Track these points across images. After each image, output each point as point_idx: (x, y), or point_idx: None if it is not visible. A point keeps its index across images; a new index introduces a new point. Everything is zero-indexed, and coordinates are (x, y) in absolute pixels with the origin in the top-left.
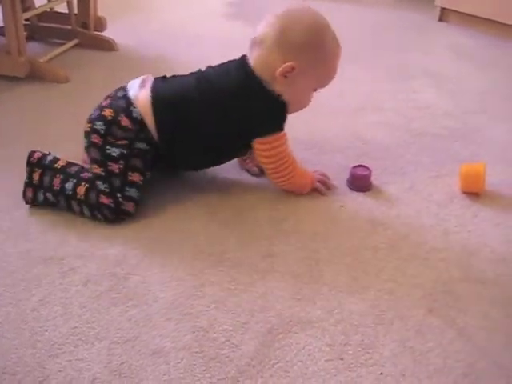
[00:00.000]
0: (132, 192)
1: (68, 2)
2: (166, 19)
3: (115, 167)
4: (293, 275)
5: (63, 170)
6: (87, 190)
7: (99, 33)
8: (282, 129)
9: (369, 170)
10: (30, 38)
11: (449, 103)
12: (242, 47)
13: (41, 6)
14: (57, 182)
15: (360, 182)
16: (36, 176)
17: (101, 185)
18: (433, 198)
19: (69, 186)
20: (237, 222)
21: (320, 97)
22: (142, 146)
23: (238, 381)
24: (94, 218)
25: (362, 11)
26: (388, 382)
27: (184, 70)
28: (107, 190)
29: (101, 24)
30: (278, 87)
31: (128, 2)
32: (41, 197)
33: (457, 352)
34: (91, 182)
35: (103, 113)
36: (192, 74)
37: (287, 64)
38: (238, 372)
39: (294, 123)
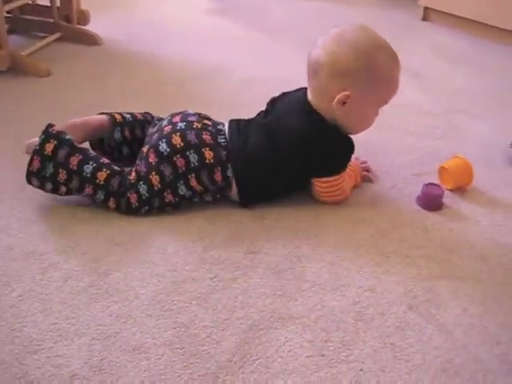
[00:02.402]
0: (164, 208)
1: None
2: (150, 14)
3: (169, 197)
4: (274, 272)
5: (83, 150)
6: (108, 176)
7: (82, 26)
8: (344, 169)
9: (442, 189)
10: (11, 31)
11: (431, 102)
12: (226, 43)
13: None
14: (74, 160)
15: (433, 201)
16: (49, 147)
17: (141, 186)
18: (414, 196)
19: (88, 168)
20: (220, 219)
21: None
22: (209, 199)
23: (219, 377)
24: (105, 203)
25: (346, 10)
26: (368, 378)
27: (167, 65)
28: (144, 198)
29: (84, 18)
30: (338, 115)
31: None
32: (50, 169)
33: (436, 348)
34: (118, 172)
35: (204, 151)
36: (262, 121)
37: (342, 94)
38: (219, 368)
39: None
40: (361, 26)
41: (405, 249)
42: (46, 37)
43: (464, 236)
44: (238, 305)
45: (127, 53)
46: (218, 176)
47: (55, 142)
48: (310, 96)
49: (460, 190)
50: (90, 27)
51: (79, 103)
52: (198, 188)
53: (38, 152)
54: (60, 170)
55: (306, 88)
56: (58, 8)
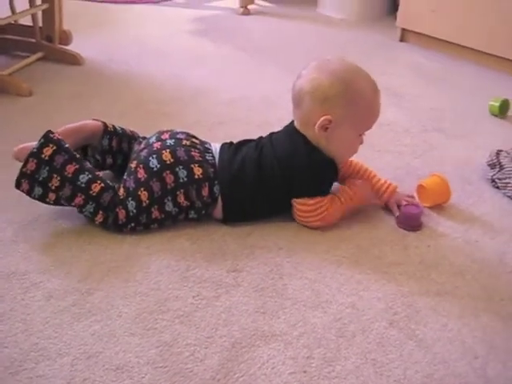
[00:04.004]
0: (150, 226)
1: (33, 15)
2: (132, 34)
3: (156, 214)
4: (257, 289)
5: (80, 160)
6: (102, 190)
7: (64, 46)
8: (325, 193)
9: (420, 208)
10: None
11: (408, 120)
12: (207, 62)
13: (4, 18)
14: (71, 168)
15: (413, 220)
16: (48, 151)
17: (130, 203)
18: (393, 213)
19: (83, 178)
20: (203, 238)
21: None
22: (194, 216)
23: None
24: (93, 215)
25: (326, 32)
26: None
27: (150, 84)
28: (131, 214)
29: (66, 37)
30: (323, 142)
31: (94, 17)
32: (44, 173)
33: (416, 363)
34: (111, 187)
35: (193, 167)
36: (255, 147)
37: (323, 118)
38: None
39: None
40: (340, 58)
41: (385, 266)
42: (27, 56)
43: (442, 252)
44: (221, 323)
45: (109, 73)
46: (205, 191)
47: (54, 147)
48: (297, 125)
49: (438, 207)
50: (72, 47)
51: (61, 123)
52: (185, 204)
53: (34, 155)
54: (54, 176)
55: (293, 121)
56: (40, 28)
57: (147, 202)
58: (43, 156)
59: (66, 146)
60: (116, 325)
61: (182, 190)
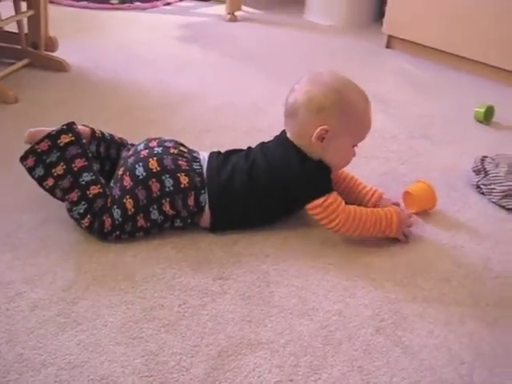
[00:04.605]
0: (135, 234)
1: (18, 22)
2: (119, 40)
3: (141, 222)
4: (243, 297)
5: (91, 160)
6: (99, 194)
7: (50, 53)
8: (328, 191)
9: None
10: None
11: (395, 127)
12: (194, 69)
13: None
14: (79, 163)
15: None
16: (65, 138)
17: (115, 211)
18: None
19: (86, 177)
20: (189, 246)
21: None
22: (180, 224)
23: None
24: (81, 217)
25: (313, 38)
26: None
27: (136, 91)
28: (117, 223)
29: (52, 44)
30: (318, 152)
31: (80, 23)
32: (53, 158)
33: (403, 369)
34: (106, 194)
35: (179, 176)
36: (246, 156)
37: (321, 127)
38: None
39: None
40: (332, 71)
41: (371, 272)
42: (13, 63)
43: (428, 259)
44: (207, 331)
45: (95, 79)
46: (191, 200)
47: (72, 138)
48: (289, 135)
49: (424, 213)
50: (58, 53)
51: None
52: (171, 212)
53: (51, 137)
54: (61, 164)
55: (284, 131)
56: (25, 35)
57: (132, 210)
58: (59, 141)
59: (83, 141)
60: (101, 334)
61: (167, 199)
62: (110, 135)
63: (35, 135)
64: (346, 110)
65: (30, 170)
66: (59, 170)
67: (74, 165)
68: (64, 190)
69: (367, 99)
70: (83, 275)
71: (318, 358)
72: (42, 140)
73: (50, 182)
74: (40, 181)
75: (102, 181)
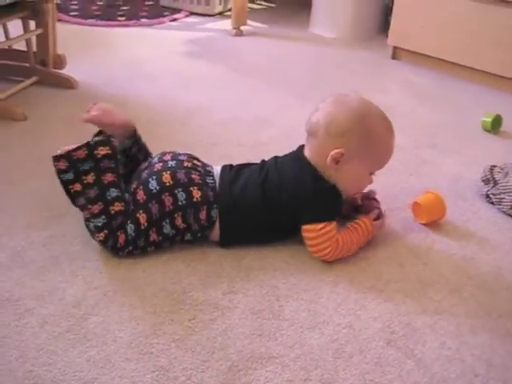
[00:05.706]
0: (147, 249)
1: (27, 40)
2: (126, 57)
3: (154, 236)
4: (253, 311)
5: (120, 176)
6: (120, 212)
7: (58, 70)
8: (332, 219)
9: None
10: None
11: (402, 137)
12: (201, 84)
13: None
14: (110, 177)
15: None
16: (102, 151)
17: (129, 226)
18: (388, 231)
19: (113, 192)
20: (198, 260)
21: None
22: (190, 238)
23: None
24: (97, 230)
25: (318, 51)
26: None
27: (143, 107)
28: (130, 238)
29: (60, 62)
30: (332, 174)
31: (87, 40)
32: (86, 166)
33: (415, 382)
34: (128, 213)
35: (192, 189)
36: (260, 170)
37: (336, 151)
38: None
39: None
40: (356, 93)
41: (381, 284)
42: (22, 81)
43: (439, 270)
44: (217, 346)
45: (103, 95)
46: (202, 214)
47: (110, 151)
48: (307, 153)
49: (433, 224)
50: (66, 71)
51: (55, 147)
52: (182, 226)
53: (89, 147)
54: (92, 174)
55: (303, 145)
56: (34, 53)
57: (145, 224)
58: (96, 153)
59: (119, 157)
60: (111, 350)
61: (179, 213)
62: (144, 143)
63: (108, 115)
64: (365, 137)
65: (60, 173)
66: (89, 178)
67: (104, 178)
68: (88, 199)
69: (391, 128)
70: (93, 291)
71: (329, 372)
72: (79, 147)
73: (78, 187)
74: (67, 184)
75: (127, 199)
